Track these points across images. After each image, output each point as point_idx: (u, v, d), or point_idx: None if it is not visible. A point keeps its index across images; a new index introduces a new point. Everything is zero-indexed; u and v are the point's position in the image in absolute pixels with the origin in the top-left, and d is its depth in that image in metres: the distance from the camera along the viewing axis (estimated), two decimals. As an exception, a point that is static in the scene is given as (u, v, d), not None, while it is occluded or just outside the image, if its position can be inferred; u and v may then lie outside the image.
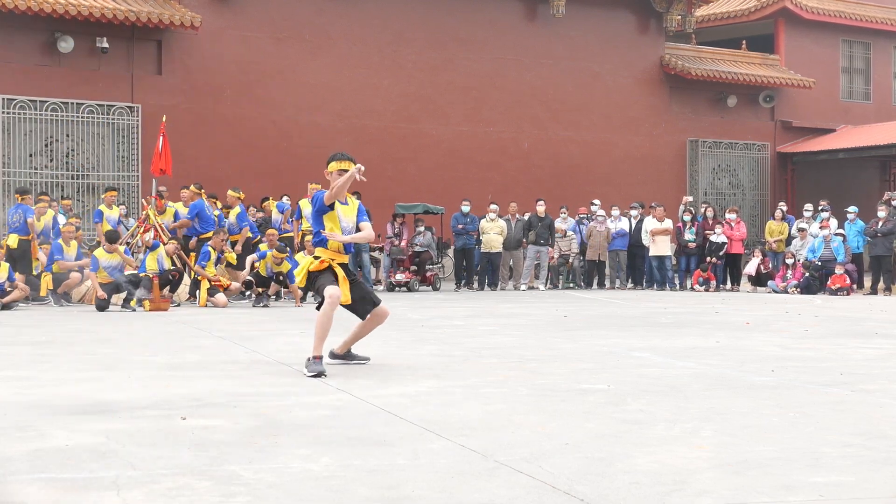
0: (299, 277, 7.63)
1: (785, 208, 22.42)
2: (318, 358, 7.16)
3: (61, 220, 16.62)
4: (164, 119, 17.87)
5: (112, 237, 14.67)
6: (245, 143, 21.97)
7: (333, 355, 7.79)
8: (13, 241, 15.58)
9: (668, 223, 20.93)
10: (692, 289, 20.50)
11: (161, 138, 17.18)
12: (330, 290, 7.31)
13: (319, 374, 7.04)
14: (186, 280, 15.60)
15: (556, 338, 10.23)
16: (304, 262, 7.65)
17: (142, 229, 16.18)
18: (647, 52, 26.70)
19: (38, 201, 16.21)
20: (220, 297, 15.03)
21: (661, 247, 20.73)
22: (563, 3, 24.62)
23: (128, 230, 17.29)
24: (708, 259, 20.60)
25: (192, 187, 16.89)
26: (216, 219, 16.57)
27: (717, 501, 3.78)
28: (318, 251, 7.55)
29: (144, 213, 16.55)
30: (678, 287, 20.86)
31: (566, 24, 25.24)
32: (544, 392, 6.43)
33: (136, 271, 14.53)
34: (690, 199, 22.74)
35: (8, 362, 8.00)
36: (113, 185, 18.46)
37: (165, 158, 17.21)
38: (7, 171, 19.77)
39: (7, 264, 14.73)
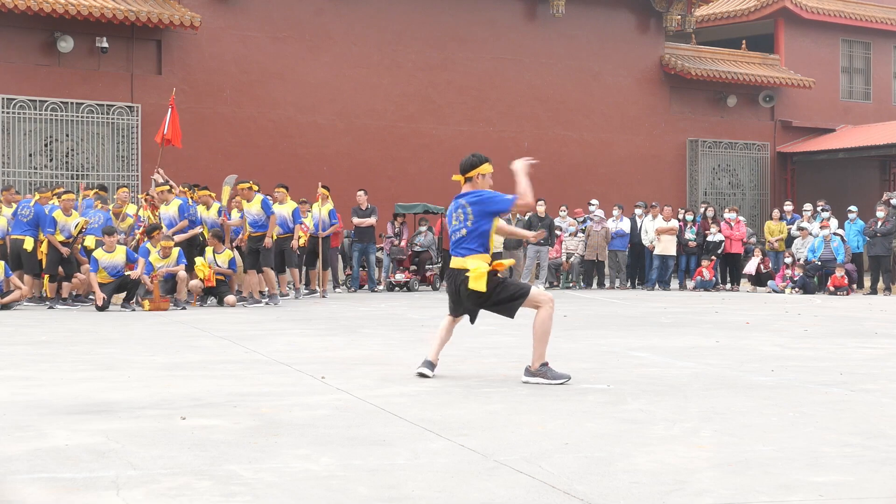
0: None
1: (790, 208, 22.37)
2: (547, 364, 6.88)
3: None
4: (173, 91, 17.86)
5: (109, 230, 14.59)
6: (245, 143, 21.95)
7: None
8: (29, 244, 14.93)
9: (673, 222, 20.93)
10: (693, 288, 20.50)
11: (170, 110, 17.03)
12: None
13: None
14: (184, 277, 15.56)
15: (556, 338, 10.17)
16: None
17: (140, 229, 16.14)
18: (647, 52, 26.68)
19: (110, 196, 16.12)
20: (231, 296, 14.99)
21: (665, 246, 20.72)
22: (563, 2, 24.60)
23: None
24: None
25: (180, 187, 16.68)
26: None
27: (717, 501, 3.78)
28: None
29: (144, 213, 16.51)
30: (678, 287, 20.86)
31: (566, 24, 25.22)
32: (544, 392, 6.43)
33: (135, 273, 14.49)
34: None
35: (7, 362, 7.99)
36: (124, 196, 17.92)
37: (174, 129, 17.02)
38: (7, 171, 19.75)
39: (2, 262, 14.61)
